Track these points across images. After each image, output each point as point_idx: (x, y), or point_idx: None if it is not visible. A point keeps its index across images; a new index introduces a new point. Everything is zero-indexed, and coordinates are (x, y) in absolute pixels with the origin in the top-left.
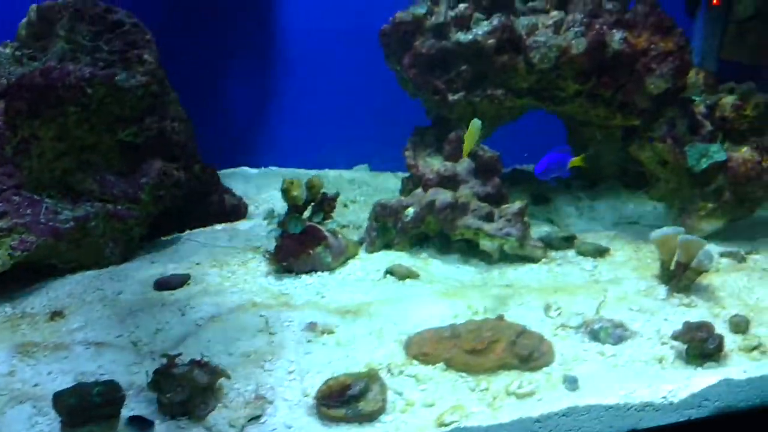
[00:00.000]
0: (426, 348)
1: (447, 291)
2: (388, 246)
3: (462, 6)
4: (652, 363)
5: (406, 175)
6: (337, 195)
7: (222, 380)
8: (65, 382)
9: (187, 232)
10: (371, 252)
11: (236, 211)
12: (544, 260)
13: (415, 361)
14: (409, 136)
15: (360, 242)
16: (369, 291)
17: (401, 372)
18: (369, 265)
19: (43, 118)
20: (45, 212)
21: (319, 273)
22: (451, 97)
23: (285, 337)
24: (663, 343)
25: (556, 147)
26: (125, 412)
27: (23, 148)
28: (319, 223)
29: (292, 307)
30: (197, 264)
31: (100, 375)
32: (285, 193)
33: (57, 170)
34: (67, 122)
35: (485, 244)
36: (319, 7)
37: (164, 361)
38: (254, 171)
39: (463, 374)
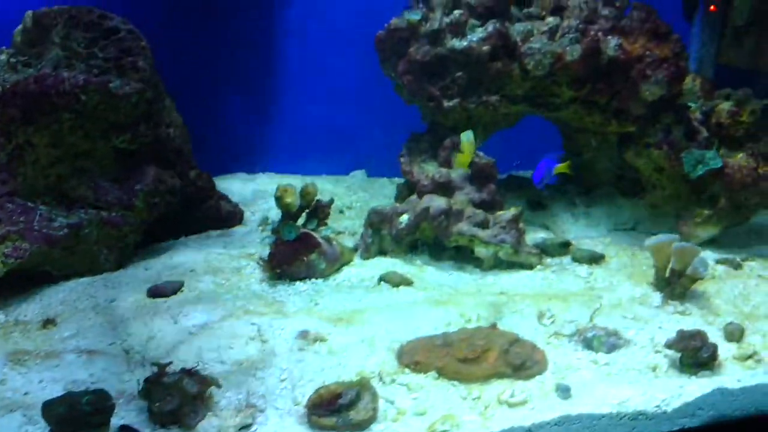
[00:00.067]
0: (418, 356)
1: (440, 298)
2: (382, 252)
3: (457, 12)
4: (646, 371)
5: (403, 181)
6: (331, 202)
7: (213, 389)
8: (56, 391)
9: (183, 238)
10: (366, 258)
11: (232, 217)
12: (539, 267)
13: (407, 370)
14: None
15: (355, 248)
16: (362, 298)
17: (393, 380)
18: (363, 271)
19: (38, 125)
20: (39, 219)
21: (313, 280)
22: (446, 104)
23: (277, 345)
24: (657, 352)
25: (550, 153)
26: (115, 421)
27: (17, 155)
28: (313, 229)
29: (285, 315)
30: (191, 271)
31: (91, 383)
32: (278, 200)
33: (51, 177)
34: (62, 129)
35: (480, 250)
36: (316, 13)
37: (155, 369)
38: (250, 177)
39: (455, 383)
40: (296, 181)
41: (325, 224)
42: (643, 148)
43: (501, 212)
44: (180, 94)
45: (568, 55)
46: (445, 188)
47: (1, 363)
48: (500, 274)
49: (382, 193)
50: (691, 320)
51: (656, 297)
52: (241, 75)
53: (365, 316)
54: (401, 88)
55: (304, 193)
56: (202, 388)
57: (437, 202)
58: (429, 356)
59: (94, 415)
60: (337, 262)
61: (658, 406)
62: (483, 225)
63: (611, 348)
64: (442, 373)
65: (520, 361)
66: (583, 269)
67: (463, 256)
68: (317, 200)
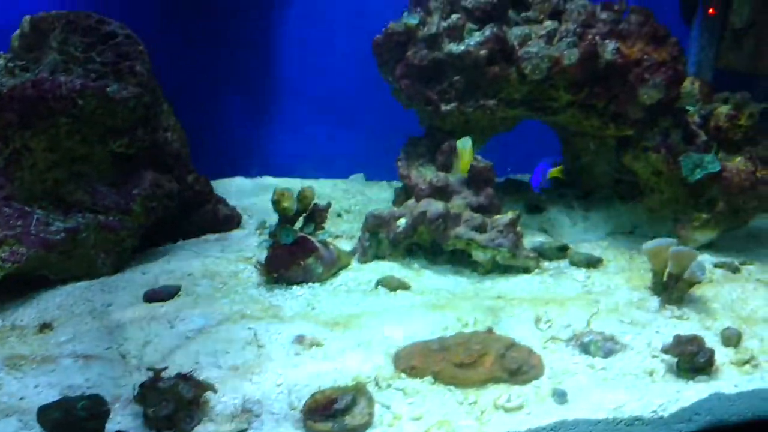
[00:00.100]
0: (414, 361)
1: (437, 302)
2: (380, 256)
3: (455, 16)
4: (643, 376)
5: (400, 184)
6: (328, 206)
7: (209, 393)
8: (52, 396)
9: (180, 242)
10: (363, 262)
11: (229, 221)
12: (536, 270)
13: (403, 374)
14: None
15: (353, 252)
16: (359, 302)
17: (389, 385)
18: (361, 275)
19: (35, 130)
20: (36, 223)
21: (310, 284)
22: (443, 108)
23: (273, 349)
24: (654, 357)
25: (547, 157)
26: (111, 426)
27: (14, 159)
28: (310, 233)
29: (282, 319)
30: (189, 275)
31: (87, 388)
32: (276, 204)
33: (48, 181)
34: (59, 133)
35: (477, 254)
36: (314, 18)
37: (151, 374)
38: (248, 181)
39: (452, 387)
40: (294, 185)
41: (323, 228)
42: (641, 152)
43: (498, 216)
44: (177, 98)
45: (565, 59)
46: (442, 192)
47: None
48: (497, 278)
49: (380, 196)
50: (689, 324)
51: (654, 301)
52: (239, 79)
53: (362, 320)
54: (399, 92)
55: (301, 197)
56: (197, 392)
57: (435, 206)
58: (425, 361)
59: (89, 420)
60: (335, 266)
61: (654, 411)
62: (480, 229)
63: (608, 353)
64: (438, 377)
65: (516, 366)
66: (580, 273)
67: (460, 260)
68: (314, 204)
